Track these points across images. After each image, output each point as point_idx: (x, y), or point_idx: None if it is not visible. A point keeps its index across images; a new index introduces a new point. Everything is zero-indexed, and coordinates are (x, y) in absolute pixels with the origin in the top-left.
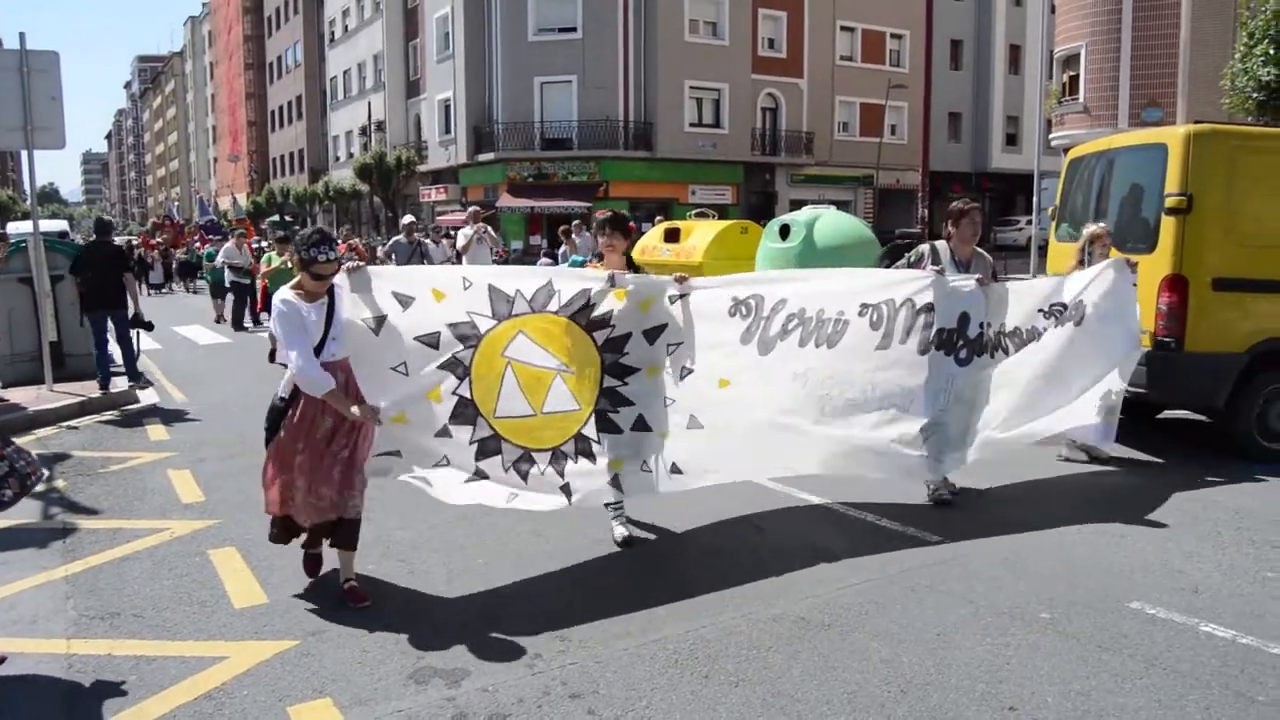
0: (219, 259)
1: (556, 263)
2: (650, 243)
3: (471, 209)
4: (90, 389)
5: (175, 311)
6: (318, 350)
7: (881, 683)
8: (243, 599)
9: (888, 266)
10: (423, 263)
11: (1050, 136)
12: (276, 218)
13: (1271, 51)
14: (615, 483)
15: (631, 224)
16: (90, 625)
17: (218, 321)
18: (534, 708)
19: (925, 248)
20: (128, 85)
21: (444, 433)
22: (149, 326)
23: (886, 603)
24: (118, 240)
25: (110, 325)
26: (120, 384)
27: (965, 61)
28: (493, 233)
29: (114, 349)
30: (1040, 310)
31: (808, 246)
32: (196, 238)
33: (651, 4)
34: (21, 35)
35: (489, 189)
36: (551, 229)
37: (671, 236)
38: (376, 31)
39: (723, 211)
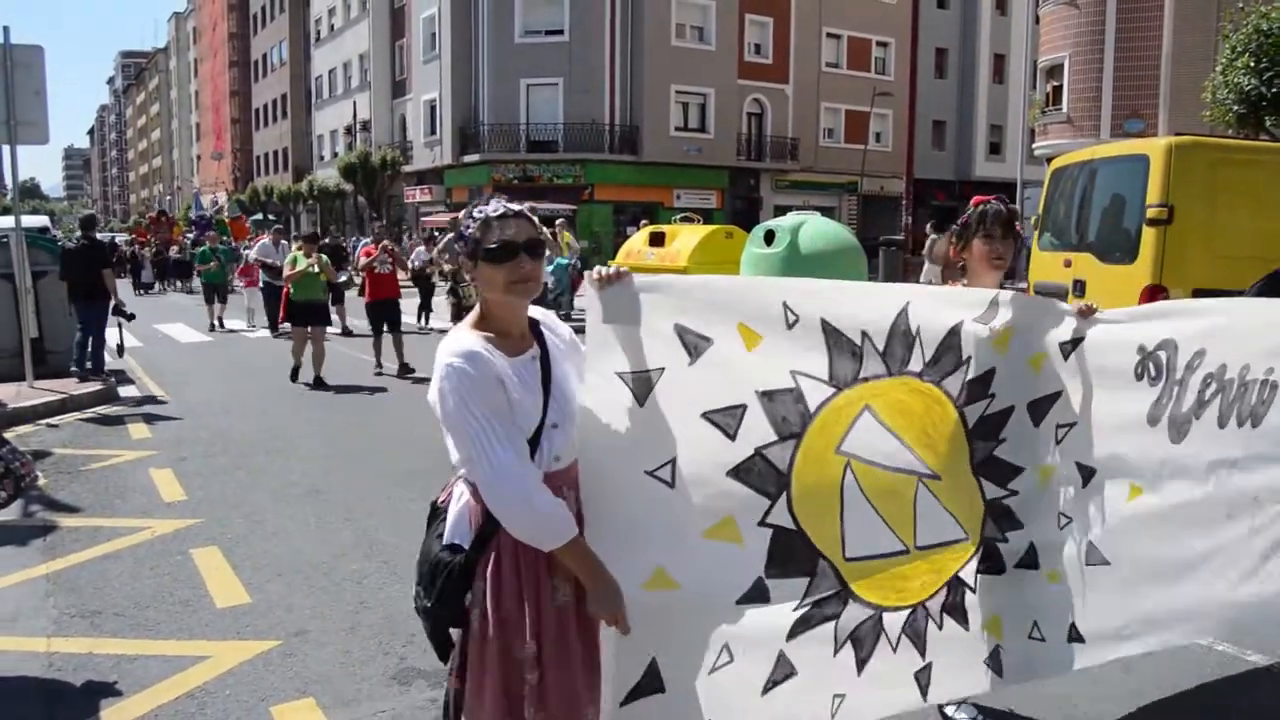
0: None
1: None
2: (635, 246)
3: (527, 205)
4: (72, 386)
5: (161, 310)
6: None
7: None
8: (225, 598)
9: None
10: None
11: (1033, 146)
12: (260, 216)
13: (1253, 64)
14: (993, 660)
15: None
16: (71, 624)
17: (212, 330)
18: None
19: None
20: (111, 81)
21: (753, 596)
22: (129, 317)
23: None
24: (105, 237)
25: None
26: (109, 377)
27: (950, 70)
28: (566, 236)
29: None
30: None
31: (793, 252)
32: (192, 234)
33: (639, 8)
34: (5, 29)
35: (474, 190)
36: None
37: (656, 240)
38: (362, 31)
39: (707, 216)
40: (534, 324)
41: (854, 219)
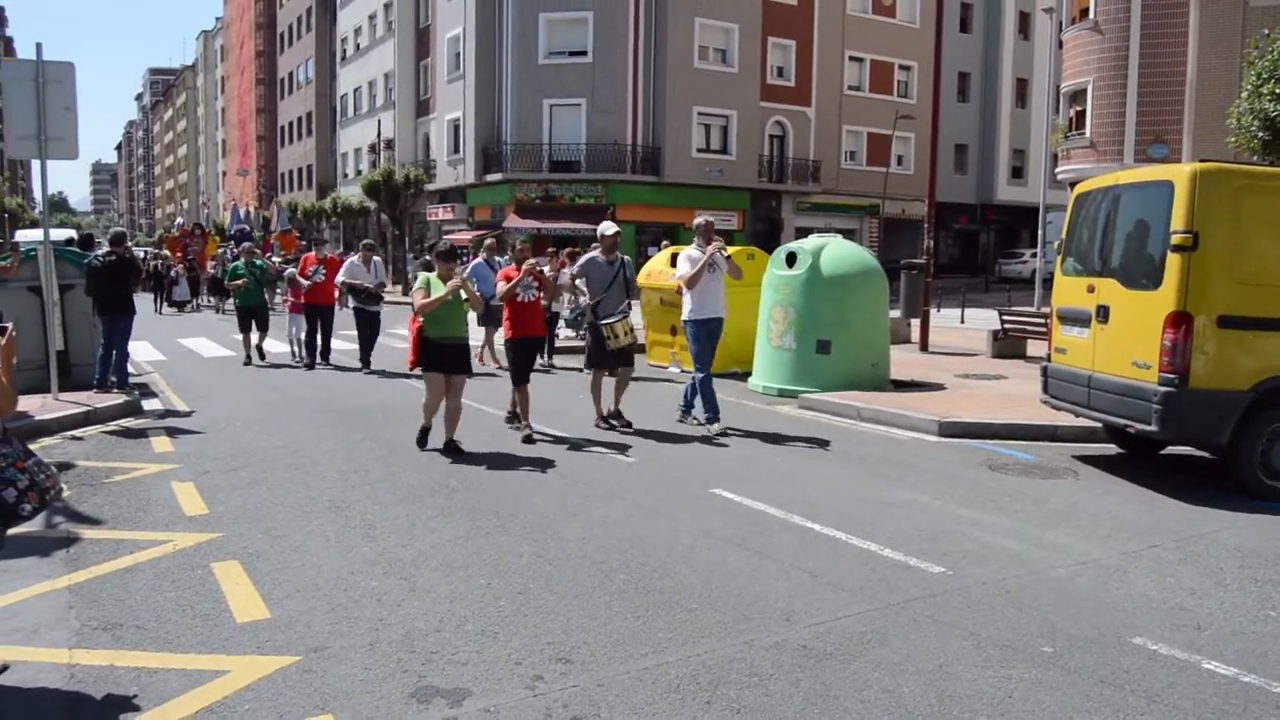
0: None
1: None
2: (656, 267)
3: (702, 219)
4: (96, 399)
5: (185, 325)
6: None
7: (883, 713)
8: (245, 613)
9: None
10: (628, 291)
11: (1056, 170)
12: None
13: (1278, 91)
14: None
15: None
16: (92, 636)
17: (248, 363)
18: None
19: None
20: (139, 97)
21: None
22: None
23: (888, 632)
24: (136, 251)
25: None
26: (133, 390)
27: (972, 94)
28: (729, 257)
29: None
30: None
31: (814, 274)
32: (223, 249)
33: (661, 30)
34: (38, 46)
35: (496, 209)
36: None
37: (677, 262)
38: (388, 50)
39: (729, 237)
40: None
41: (875, 242)
